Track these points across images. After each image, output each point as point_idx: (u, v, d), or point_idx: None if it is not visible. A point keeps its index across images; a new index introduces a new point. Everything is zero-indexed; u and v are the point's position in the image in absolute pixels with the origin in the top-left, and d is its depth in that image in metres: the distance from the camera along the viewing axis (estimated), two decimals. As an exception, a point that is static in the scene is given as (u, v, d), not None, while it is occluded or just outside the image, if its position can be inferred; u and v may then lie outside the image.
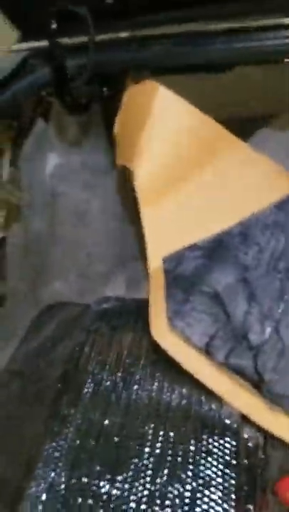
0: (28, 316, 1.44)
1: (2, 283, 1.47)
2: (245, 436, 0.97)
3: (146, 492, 0.90)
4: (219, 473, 0.90)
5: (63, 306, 1.43)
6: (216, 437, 0.95)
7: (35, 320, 1.42)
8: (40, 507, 0.91)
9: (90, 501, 0.91)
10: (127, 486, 0.91)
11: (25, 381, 1.24)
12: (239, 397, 1.00)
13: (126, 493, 0.90)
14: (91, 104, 1.26)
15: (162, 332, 1.08)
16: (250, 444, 0.96)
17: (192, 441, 0.95)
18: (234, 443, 0.94)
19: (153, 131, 1.12)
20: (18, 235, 1.47)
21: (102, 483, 0.92)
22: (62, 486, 0.93)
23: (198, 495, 0.88)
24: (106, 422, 1.03)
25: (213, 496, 0.88)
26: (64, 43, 1.10)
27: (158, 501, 0.88)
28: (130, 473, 0.93)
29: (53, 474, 0.95)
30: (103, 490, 0.91)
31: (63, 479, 0.94)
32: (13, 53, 1.22)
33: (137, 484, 0.91)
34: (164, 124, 1.13)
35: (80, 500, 0.91)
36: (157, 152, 1.14)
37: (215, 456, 0.93)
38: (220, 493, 0.87)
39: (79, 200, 1.48)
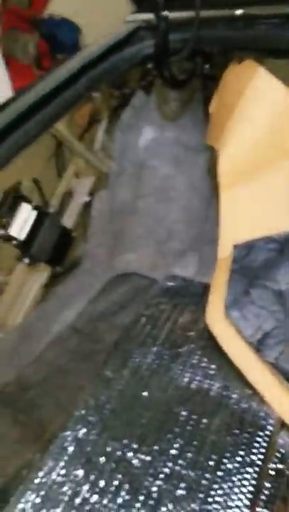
0: (101, 279, 1.50)
1: (83, 245, 1.53)
2: (280, 441, 0.94)
3: (165, 470, 0.91)
4: (242, 470, 0.88)
5: (133, 276, 1.47)
6: (246, 435, 0.93)
7: (106, 285, 1.47)
8: (66, 452, 0.96)
9: (113, 465, 0.94)
10: (149, 458, 0.93)
11: (82, 339, 1.30)
12: (282, 402, 0.96)
13: (146, 466, 0.92)
14: (190, 80, 1.24)
15: (216, 318, 1.06)
16: (282, 450, 0.93)
17: (222, 433, 0.94)
18: (264, 445, 0.91)
19: (245, 113, 1.08)
20: (104, 202, 1.51)
21: (126, 451, 0.95)
22: (90, 443, 0.97)
23: (215, 486, 0.87)
24: (145, 394, 1.05)
25: (229, 492, 0.86)
26: (171, 17, 1.09)
27: (175, 481, 0.89)
28: (155, 448, 0.95)
29: (85, 430, 1.00)
30: (126, 456, 0.94)
31: (93, 437, 0.98)
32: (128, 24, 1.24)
33: (158, 460, 0.92)
34: (258, 107, 1.08)
35: (102, 460, 0.94)
36: (247, 135, 1.10)
37: (241, 453, 0.91)
38: (237, 490, 0.86)
39: (166, 176, 1.48)
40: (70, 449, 0.97)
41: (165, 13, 1.07)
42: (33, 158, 1.13)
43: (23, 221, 1.23)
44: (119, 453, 0.95)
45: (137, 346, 1.16)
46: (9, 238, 1.21)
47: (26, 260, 1.31)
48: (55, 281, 1.49)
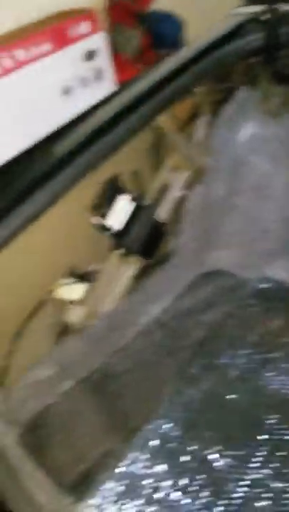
0: (189, 275, 1.49)
1: (174, 239, 1.53)
2: None
3: (250, 476, 0.89)
4: None
5: (223, 274, 1.44)
6: None
7: (194, 281, 1.46)
8: (149, 446, 0.97)
9: (196, 464, 0.94)
10: (233, 462, 0.91)
11: (167, 334, 1.30)
12: None
13: (230, 470, 0.91)
14: (299, 74, 1.19)
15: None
16: None
17: (311, 446, 0.90)
18: None
19: None
20: (199, 196, 1.49)
21: (210, 452, 0.94)
22: (174, 439, 0.98)
23: (302, 501, 0.84)
24: (231, 397, 1.03)
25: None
26: (283, 9, 1.05)
27: (258, 490, 0.87)
28: (240, 453, 0.93)
29: (169, 426, 1.00)
30: (210, 457, 0.93)
31: (176, 433, 0.99)
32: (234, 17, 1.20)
33: (242, 466, 0.91)
34: None
35: (186, 458, 0.94)
36: None
37: None
38: None
39: (264, 173, 1.43)
40: (154, 443, 0.98)
41: (278, 5, 1.03)
42: (132, 151, 1.14)
43: (120, 212, 1.25)
44: (203, 453, 0.94)
45: (224, 347, 1.14)
46: (106, 228, 1.24)
47: (121, 251, 1.33)
48: (144, 273, 1.50)
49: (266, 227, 1.48)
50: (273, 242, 1.48)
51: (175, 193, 1.46)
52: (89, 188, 1.18)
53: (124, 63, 1.54)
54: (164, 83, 1.09)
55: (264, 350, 1.11)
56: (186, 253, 1.55)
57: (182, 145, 1.41)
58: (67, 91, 1.00)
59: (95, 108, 1.02)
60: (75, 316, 1.33)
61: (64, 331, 1.35)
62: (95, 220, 1.21)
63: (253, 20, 1.15)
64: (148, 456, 0.96)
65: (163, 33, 1.64)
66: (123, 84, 1.14)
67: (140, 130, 1.01)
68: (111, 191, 1.23)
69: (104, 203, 1.21)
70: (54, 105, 0.99)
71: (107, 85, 1.13)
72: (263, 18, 1.10)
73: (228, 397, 1.04)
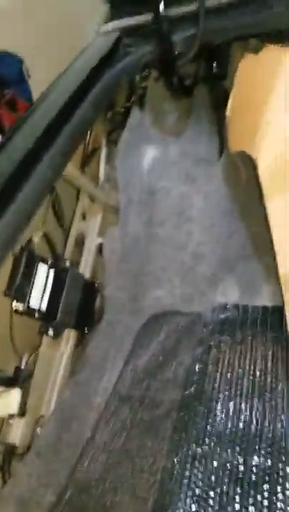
0: (130, 328, 1.30)
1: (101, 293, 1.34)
2: None
3: None
4: None
5: (170, 315, 1.28)
6: None
7: (141, 332, 1.28)
8: None
9: None
10: None
11: (135, 408, 1.09)
12: None
13: None
14: (197, 84, 1.08)
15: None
16: None
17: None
18: None
19: (283, 104, 0.92)
20: (115, 239, 1.32)
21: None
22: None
23: None
24: (250, 461, 0.86)
25: None
26: (172, 14, 0.93)
27: None
28: None
29: None
30: None
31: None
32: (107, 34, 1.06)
33: None
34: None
35: None
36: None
37: None
38: None
39: (180, 196, 1.31)
40: None
41: (165, 10, 0.91)
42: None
43: (41, 286, 1.03)
44: None
45: (214, 403, 0.97)
46: (31, 311, 1.00)
47: (51, 332, 1.09)
48: (82, 343, 1.28)
49: (195, 252, 1.35)
50: (207, 266, 1.35)
51: (93, 242, 1.27)
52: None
53: None
54: (59, 123, 0.90)
55: (259, 391, 0.95)
56: (118, 304, 1.36)
57: (88, 186, 1.23)
58: None
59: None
60: (18, 434, 1.05)
61: (8, 453, 1.07)
62: (17, 306, 0.97)
63: (133, 33, 1.02)
64: None
65: (1, 73, 1.48)
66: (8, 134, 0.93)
67: (55, 181, 0.81)
68: (26, 264, 1.00)
69: (22, 281, 0.97)
70: None
71: None
72: (145, 29, 0.97)
73: (239, 463, 0.86)
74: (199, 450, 0.90)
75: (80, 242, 1.27)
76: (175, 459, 0.92)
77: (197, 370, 1.06)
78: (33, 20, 1.48)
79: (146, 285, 1.36)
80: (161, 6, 0.90)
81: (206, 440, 0.91)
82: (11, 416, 1.05)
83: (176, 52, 0.95)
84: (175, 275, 1.35)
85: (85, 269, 1.25)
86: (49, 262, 1.06)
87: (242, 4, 0.94)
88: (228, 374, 1.00)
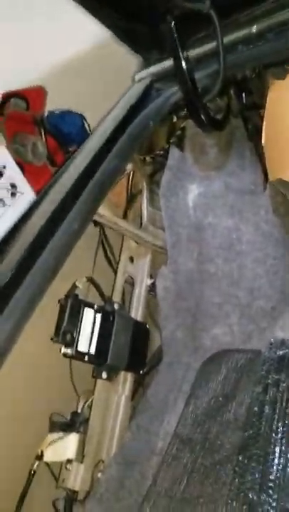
0: (191, 368, 1.27)
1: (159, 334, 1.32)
2: None
3: None
4: None
5: (228, 353, 1.23)
6: None
7: (200, 373, 1.24)
8: None
9: None
10: None
11: (197, 452, 1.04)
12: None
13: None
14: (228, 117, 1.08)
15: None
16: None
17: None
18: None
19: None
20: (168, 279, 1.31)
21: None
22: None
23: None
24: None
25: None
26: (191, 55, 0.95)
27: None
28: None
29: None
30: None
31: None
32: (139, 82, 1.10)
33: None
34: None
35: None
36: None
37: None
38: None
39: (228, 229, 1.29)
40: None
41: (184, 53, 0.93)
42: (79, 256, 0.96)
43: (89, 330, 1.04)
44: None
45: (274, 446, 0.90)
46: (81, 355, 1.01)
47: (104, 375, 1.09)
48: (141, 387, 1.26)
49: (251, 286, 1.31)
50: (265, 300, 1.29)
51: (143, 284, 1.27)
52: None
53: (37, 171, 1.40)
54: (91, 170, 0.93)
55: None
56: (177, 344, 1.34)
57: (132, 230, 1.24)
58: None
59: (23, 221, 0.83)
60: (77, 479, 1.05)
61: (70, 498, 1.06)
62: (66, 350, 0.99)
63: (163, 77, 1.05)
64: None
65: (65, 130, 1.56)
66: (43, 190, 0.98)
67: (85, 227, 0.83)
68: (71, 310, 1.02)
69: (68, 325, 1.00)
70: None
71: (26, 197, 0.98)
72: (171, 72, 1.00)
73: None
74: (256, 498, 0.83)
75: (128, 285, 1.27)
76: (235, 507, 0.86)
77: (256, 410, 1.00)
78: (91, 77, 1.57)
79: (203, 323, 1.33)
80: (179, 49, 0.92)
81: (264, 487, 0.85)
82: (69, 461, 1.05)
83: (200, 90, 0.96)
84: (232, 311, 1.31)
85: (137, 312, 1.25)
86: (95, 307, 1.07)
87: (258, 36, 0.94)
88: (286, 415, 0.94)
